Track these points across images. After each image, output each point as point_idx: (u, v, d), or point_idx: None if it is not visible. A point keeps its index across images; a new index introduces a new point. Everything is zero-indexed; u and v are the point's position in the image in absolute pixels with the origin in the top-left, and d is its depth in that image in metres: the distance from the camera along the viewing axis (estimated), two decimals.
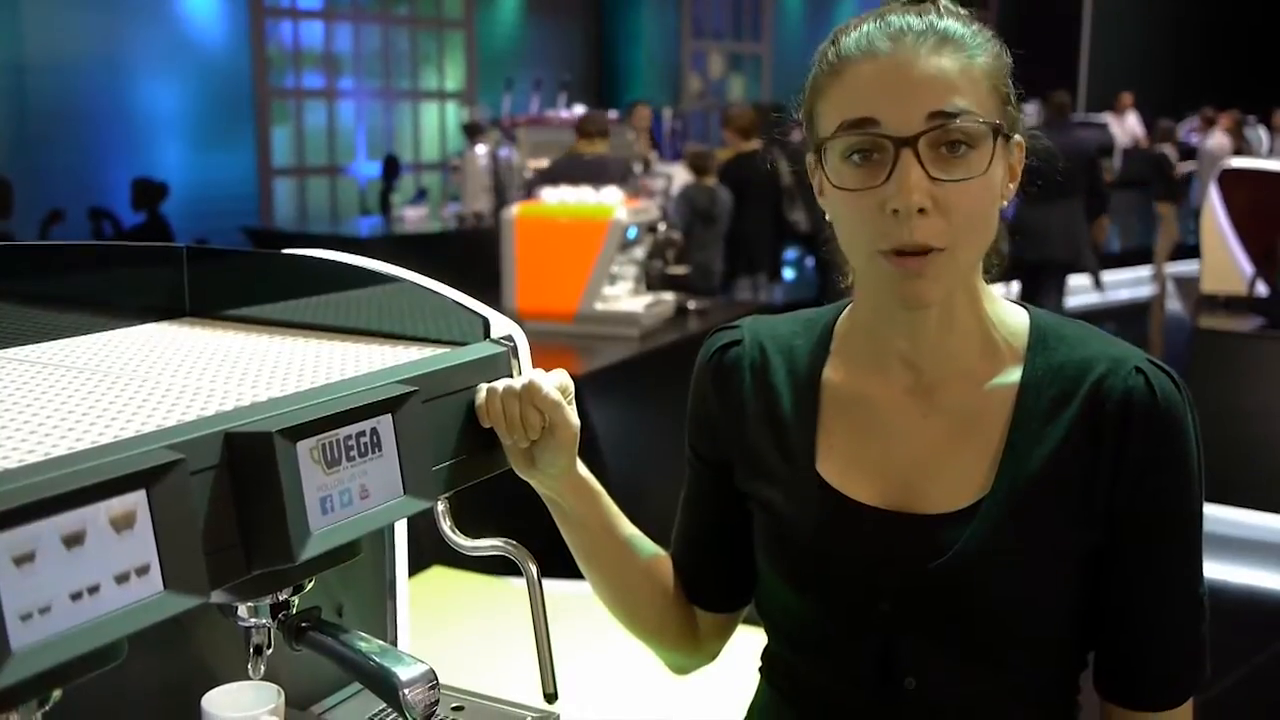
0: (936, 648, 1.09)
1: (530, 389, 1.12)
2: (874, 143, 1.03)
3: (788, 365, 1.20)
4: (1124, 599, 1.10)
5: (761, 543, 1.19)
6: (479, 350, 1.20)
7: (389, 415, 1.03)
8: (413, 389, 1.05)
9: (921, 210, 1.01)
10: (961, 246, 1.04)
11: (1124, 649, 1.11)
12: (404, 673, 1.05)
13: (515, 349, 1.23)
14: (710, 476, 1.25)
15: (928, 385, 1.13)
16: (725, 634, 1.32)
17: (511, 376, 1.21)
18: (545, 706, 1.26)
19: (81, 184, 8.27)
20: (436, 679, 1.06)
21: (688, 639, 1.30)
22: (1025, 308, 1.17)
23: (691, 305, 4.81)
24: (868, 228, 1.04)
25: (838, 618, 1.13)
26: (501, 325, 1.25)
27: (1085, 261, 7.42)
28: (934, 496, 1.11)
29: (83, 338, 1.27)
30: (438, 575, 3.41)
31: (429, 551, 2.38)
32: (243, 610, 1.08)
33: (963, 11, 1.08)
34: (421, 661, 1.07)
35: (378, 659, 1.07)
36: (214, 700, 1.14)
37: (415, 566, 1.45)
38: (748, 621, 1.31)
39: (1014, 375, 1.12)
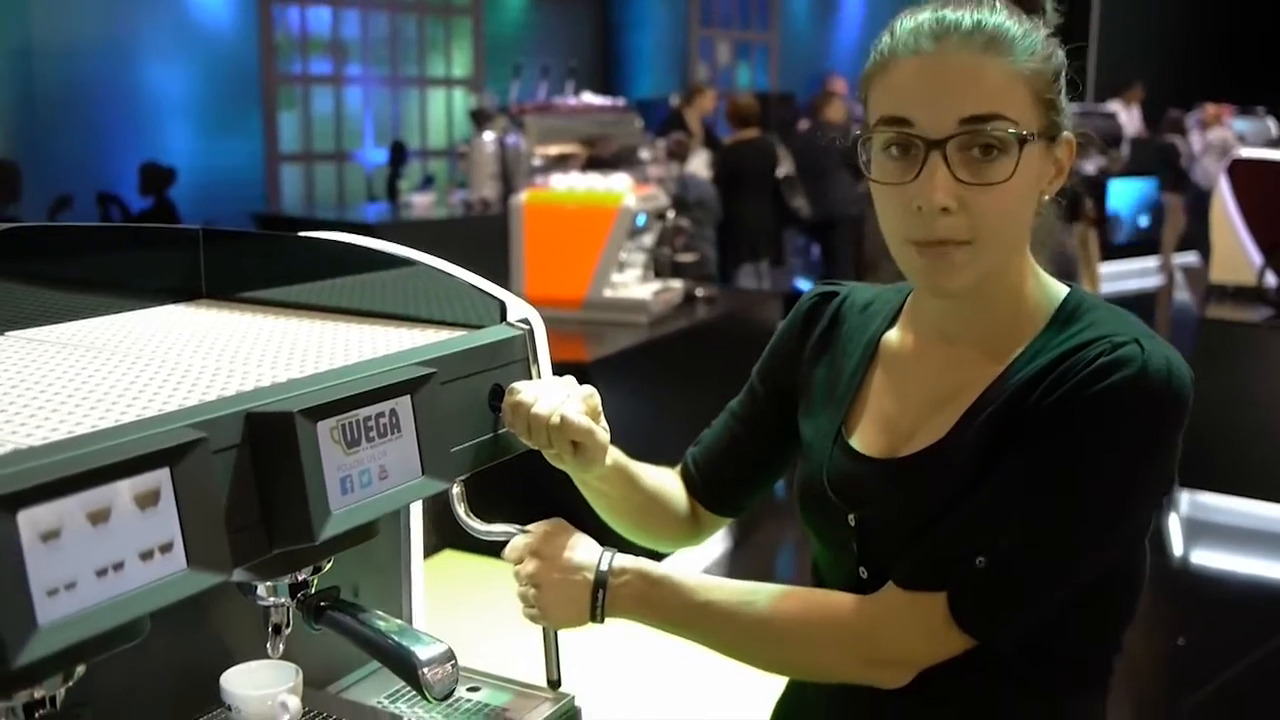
0: (894, 541, 1.11)
1: (564, 427, 1.14)
2: (908, 140, 1.06)
3: (860, 328, 1.26)
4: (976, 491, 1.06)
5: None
6: (496, 333, 1.21)
7: (408, 397, 1.03)
8: (431, 370, 1.06)
9: (946, 209, 1.04)
10: (985, 243, 1.06)
11: (941, 534, 1.07)
12: (423, 652, 1.05)
13: (532, 332, 1.23)
14: (764, 398, 1.33)
15: (956, 356, 1.16)
16: (720, 527, 1.41)
17: (528, 360, 1.22)
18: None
19: (89, 169, 8.25)
20: (455, 658, 1.07)
21: (685, 536, 1.38)
22: (1071, 288, 1.15)
23: (699, 293, 4.80)
24: (898, 219, 1.08)
25: (828, 550, 1.22)
26: (518, 309, 1.25)
27: None
28: (911, 447, 1.16)
29: (101, 319, 1.28)
30: (449, 559, 3.42)
31: (440, 535, 2.38)
32: (262, 589, 1.08)
33: (1017, 8, 1.08)
34: (440, 641, 1.08)
35: (397, 638, 1.07)
36: (232, 678, 1.15)
37: (426, 550, 1.46)
38: None
39: (1023, 347, 1.11)
